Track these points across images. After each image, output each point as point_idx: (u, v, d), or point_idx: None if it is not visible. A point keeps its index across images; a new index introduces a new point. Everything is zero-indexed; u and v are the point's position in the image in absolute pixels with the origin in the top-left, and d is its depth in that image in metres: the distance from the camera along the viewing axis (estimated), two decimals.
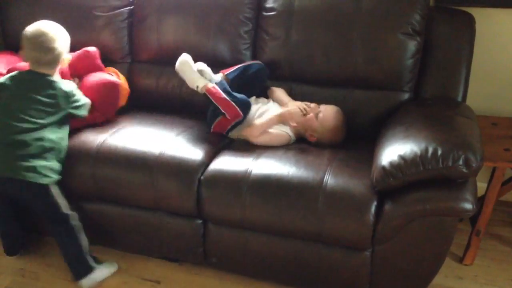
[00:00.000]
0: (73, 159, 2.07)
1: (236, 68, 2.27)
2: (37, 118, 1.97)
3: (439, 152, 1.62)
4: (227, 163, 1.96)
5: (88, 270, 2.02)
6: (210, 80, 2.15)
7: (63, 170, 2.04)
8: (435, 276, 1.84)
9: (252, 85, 2.30)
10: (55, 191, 1.99)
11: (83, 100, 2.16)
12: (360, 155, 2.00)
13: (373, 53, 2.17)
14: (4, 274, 2.18)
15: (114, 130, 2.18)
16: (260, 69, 2.31)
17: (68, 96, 2.07)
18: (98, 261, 2.10)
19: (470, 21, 2.19)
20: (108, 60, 2.63)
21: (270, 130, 2.14)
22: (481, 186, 2.05)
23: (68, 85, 2.11)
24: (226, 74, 2.23)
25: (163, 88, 2.53)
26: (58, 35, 2.08)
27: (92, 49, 2.39)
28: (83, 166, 2.05)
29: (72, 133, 2.18)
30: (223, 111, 2.10)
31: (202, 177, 1.93)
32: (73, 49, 2.29)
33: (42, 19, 2.37)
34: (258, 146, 2.09)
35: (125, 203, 2.08)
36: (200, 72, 2.16)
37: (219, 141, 2.16)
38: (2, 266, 2.22)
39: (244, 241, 1.95)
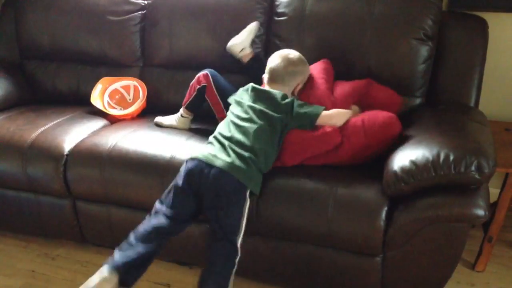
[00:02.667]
0: (84, 161, 2.09)
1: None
2: None
3: (451, 157, 1.61)
4: None
5: None
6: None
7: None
8: (446, 283, 1.82)
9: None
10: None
11: None
12: (372, 159, 1.99)
13: (385, 58, 2.17)
14: (16, 276, 2.20)
15: (125, 133, 2.20)
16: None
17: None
18: None
19: (483, 26, 2.18)
20: (120, 64, 2.66)
21: None
22: (494, 192, 2.03)
23: None
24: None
25: (174, 92, 2.55)
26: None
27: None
28: (94, 169, 2.07)
29: (85, 135, 2.21)
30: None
31: None
32: (83, 53, 2.29)
33: (56, 24, 2.39)
34: None
35: (135, 206, 2.09)
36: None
37: None
38: (14, 269, 2.24)
39: (254, 245, 1.95)
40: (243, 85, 2.06)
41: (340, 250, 1.83)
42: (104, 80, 2.56)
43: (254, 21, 2.36)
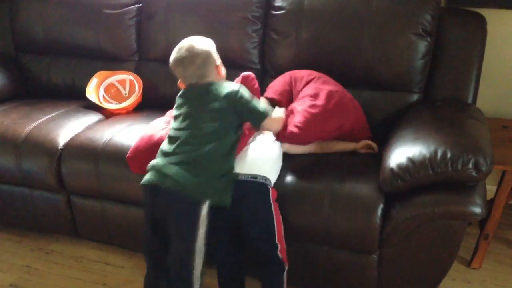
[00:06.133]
0: (79, 155, 2.08)
1: None
2: None
3: (449, 155, 1.60)
4: None
5: None
6: None
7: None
8: (442, 280, 1.82)
9: None
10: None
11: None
12: (368, 157, 1.98)
13: (383, 53, 2.15)
14: (10, 271, 2.18)
15: (120, 128, 2.18)
16: None
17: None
18: None
19: (481, 22, 2.16)
20: (116, 58, 2.64)
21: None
22: (490, 189, 2.03)
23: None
24: None
25: (170, 86, 2.53)
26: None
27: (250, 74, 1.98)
28: (88, 163, 2.05)
29: (79, 129, 2.20)
30: None
31: None
32: (79, 47, 2.27)
33: (51, 17, 2.34)
34: None
35: (130, 201, 2.07)
36: None
37: None
38: (7, 264, 2.23)
39: None
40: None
41: (336, 248, 1.82)
42: (100, 74, 2.54)
43: (249, 14, 2.35)
